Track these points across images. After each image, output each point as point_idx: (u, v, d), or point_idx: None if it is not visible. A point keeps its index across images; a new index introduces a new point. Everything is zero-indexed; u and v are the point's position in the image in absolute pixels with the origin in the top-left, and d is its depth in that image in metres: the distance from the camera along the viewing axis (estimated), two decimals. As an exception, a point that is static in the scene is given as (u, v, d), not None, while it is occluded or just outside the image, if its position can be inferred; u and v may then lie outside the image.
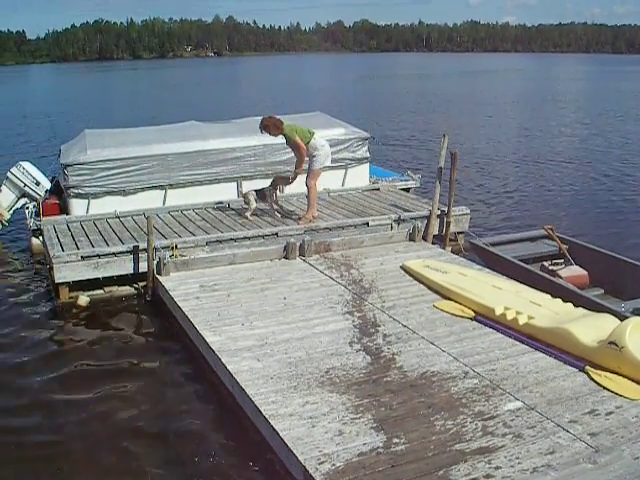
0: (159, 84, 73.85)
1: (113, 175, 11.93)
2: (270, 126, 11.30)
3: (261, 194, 11.71)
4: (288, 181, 11.87)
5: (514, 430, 5.61)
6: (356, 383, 6.47)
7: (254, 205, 11.60)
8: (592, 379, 6.43)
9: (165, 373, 7.92)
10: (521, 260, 10.00)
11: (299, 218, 11.51)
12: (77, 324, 9.32)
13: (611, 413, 5.86)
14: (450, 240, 11.53)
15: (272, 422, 5.78)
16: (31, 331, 9.14)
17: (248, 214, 11.56)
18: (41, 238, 11.40)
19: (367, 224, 11.33)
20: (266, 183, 11.90)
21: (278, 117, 11.46)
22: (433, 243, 11.25)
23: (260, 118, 11.57)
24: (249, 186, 12.32)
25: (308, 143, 11.19)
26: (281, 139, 11.53)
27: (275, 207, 11.84)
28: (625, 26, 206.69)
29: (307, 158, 11.35)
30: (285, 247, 10.24)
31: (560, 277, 9.51)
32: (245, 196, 11.78)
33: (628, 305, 8.17)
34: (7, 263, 12.12)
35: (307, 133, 11.27)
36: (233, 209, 12.15)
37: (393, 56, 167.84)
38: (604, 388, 6.27)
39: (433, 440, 5.49)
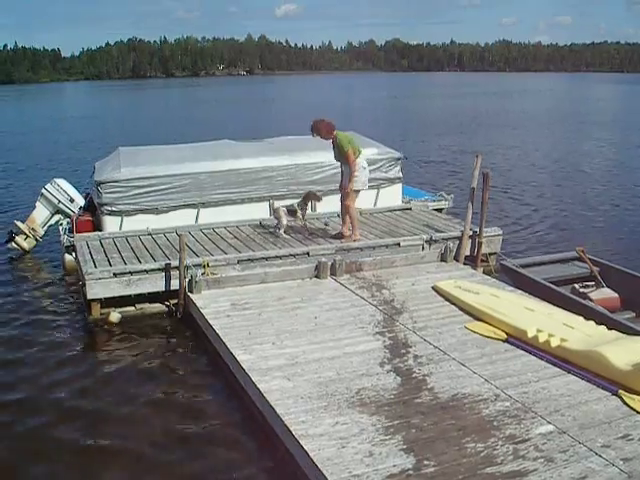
0: (192, 102, 74.51)
1: (146, 193, 12.04)
2: (322, 129, 11.20)
3: (291, 210, 11.72)
4: (319, 198, 11.89)
5: (546, 454, 5.55)
6: (386, 404, 6.45)
7: (285, 221, 11.60)
8: (625, 403, 6.36)
9: (195, 391, 7.94)
10: (552, 282, 9.91)
11: (333, 237, 11.53)
12: (108, 340, 9.39)
13: (645, 438, 5.78)
14: (482, 261, 11.44)
15: (302, 442, 5.77)
16: (62, 346, 9.22)
17: (282, 231, 11.58)
18: (74, 254, 11.50)
19: (398, 244, 11.30)
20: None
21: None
22: (465, 264, 11.18)
23: (293, 137, 11.57)
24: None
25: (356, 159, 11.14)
26: (314, 158, 11.50)
27: (302, 223, 11.79)
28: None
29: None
30: (316, 266, 10.24)
31: (591, 300, 9.41)
32: (276, 211, 11.75)
33: (661, 329, 8.06)
34: (41, 279, 12.26)
35: (357, 149, 11.18)
36: (265, 228, 12.18)
37: (425, 75, 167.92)
38: (637, 412, 6.19)
39: (464, 463, 5.44)
